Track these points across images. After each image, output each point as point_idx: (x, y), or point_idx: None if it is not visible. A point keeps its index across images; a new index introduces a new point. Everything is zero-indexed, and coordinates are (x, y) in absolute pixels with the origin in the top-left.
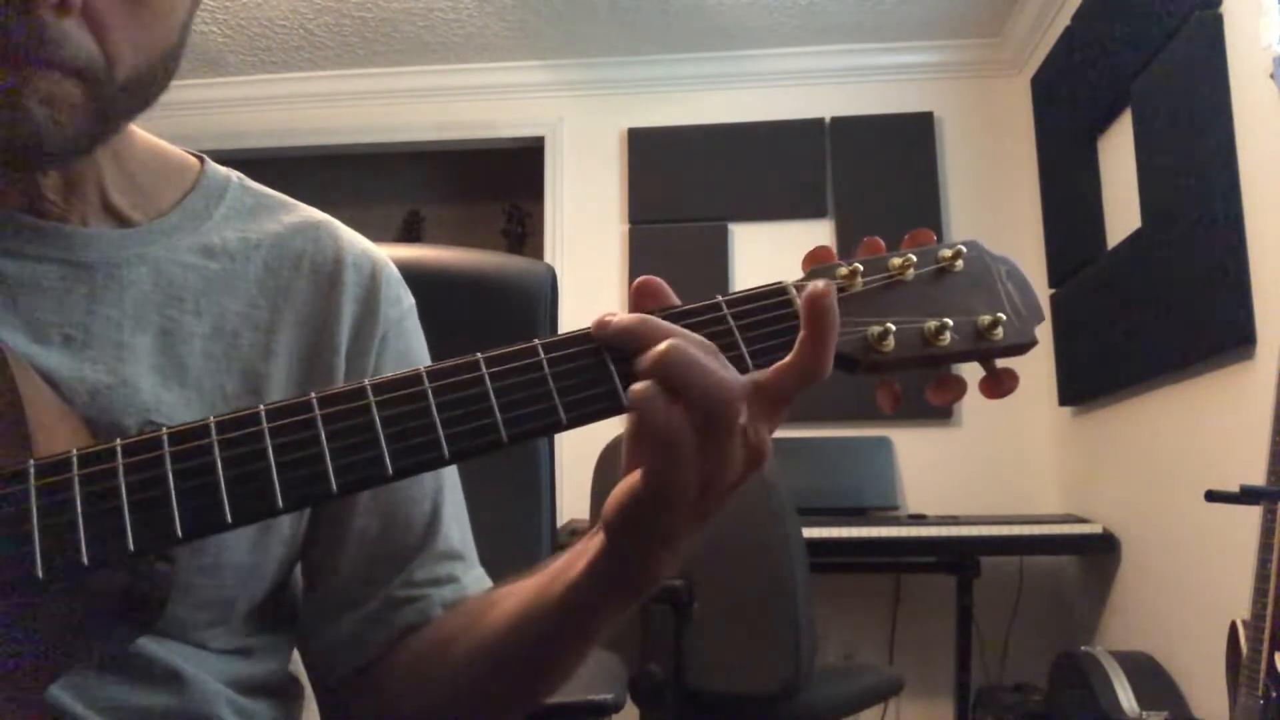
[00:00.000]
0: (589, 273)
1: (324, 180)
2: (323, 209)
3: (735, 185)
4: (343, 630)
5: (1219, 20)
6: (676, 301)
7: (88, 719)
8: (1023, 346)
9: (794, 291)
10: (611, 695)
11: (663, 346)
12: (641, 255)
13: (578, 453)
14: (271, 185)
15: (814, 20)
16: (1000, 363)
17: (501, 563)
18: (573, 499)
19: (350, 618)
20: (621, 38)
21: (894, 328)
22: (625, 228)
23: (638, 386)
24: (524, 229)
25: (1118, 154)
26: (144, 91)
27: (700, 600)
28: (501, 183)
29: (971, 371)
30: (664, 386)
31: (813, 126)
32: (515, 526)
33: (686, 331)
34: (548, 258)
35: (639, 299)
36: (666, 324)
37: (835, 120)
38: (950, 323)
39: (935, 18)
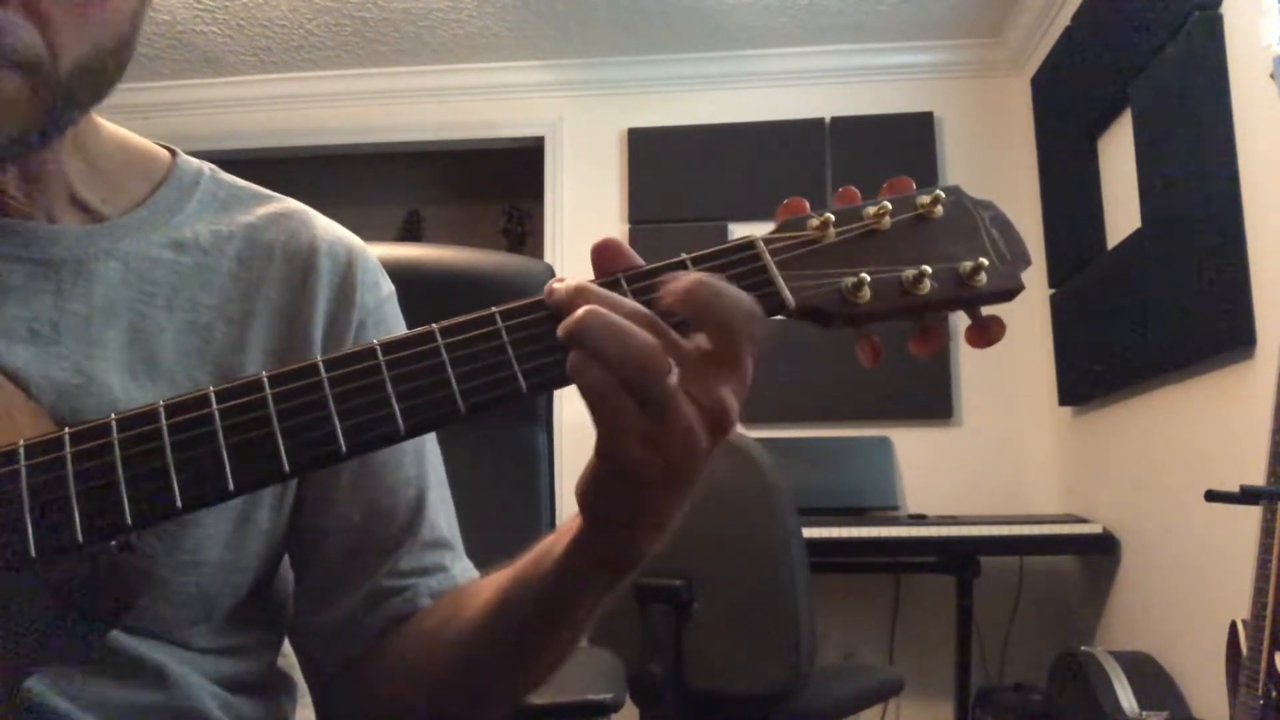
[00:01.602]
0: (589, 273)
1: (324, 180)
2: (323, 209)
3: (735, 185)
4: (328, 622)
5: (1219, 20)
6: (639, 262)
7: (74, 716)
8: (1008, 292)
9: (762, 246)
10: (611, 695)
11: (578, 314)
12: (641, 255)
13: (578, 452)
14: (272, 185)
15: (814, 20)
16: (987, 310)
17: (501, 562)
18: (572, 499)
19: (335, 610)
20: (621, 38)
21: (868, 278)
22: (625, 228)
23: (570, 355)
24: (524, 229)
25: (1118, 154)
26: (93, 83)
27: (700, 600)
28: (501, 183)
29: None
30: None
31: (813, 126)
32: (515, 526)
33: (618, 298)
34: (548, 258)
35: (600, 262)
36: (600, 292)
37: (835, 120)
38: (930, 270)
39: (935, 18)
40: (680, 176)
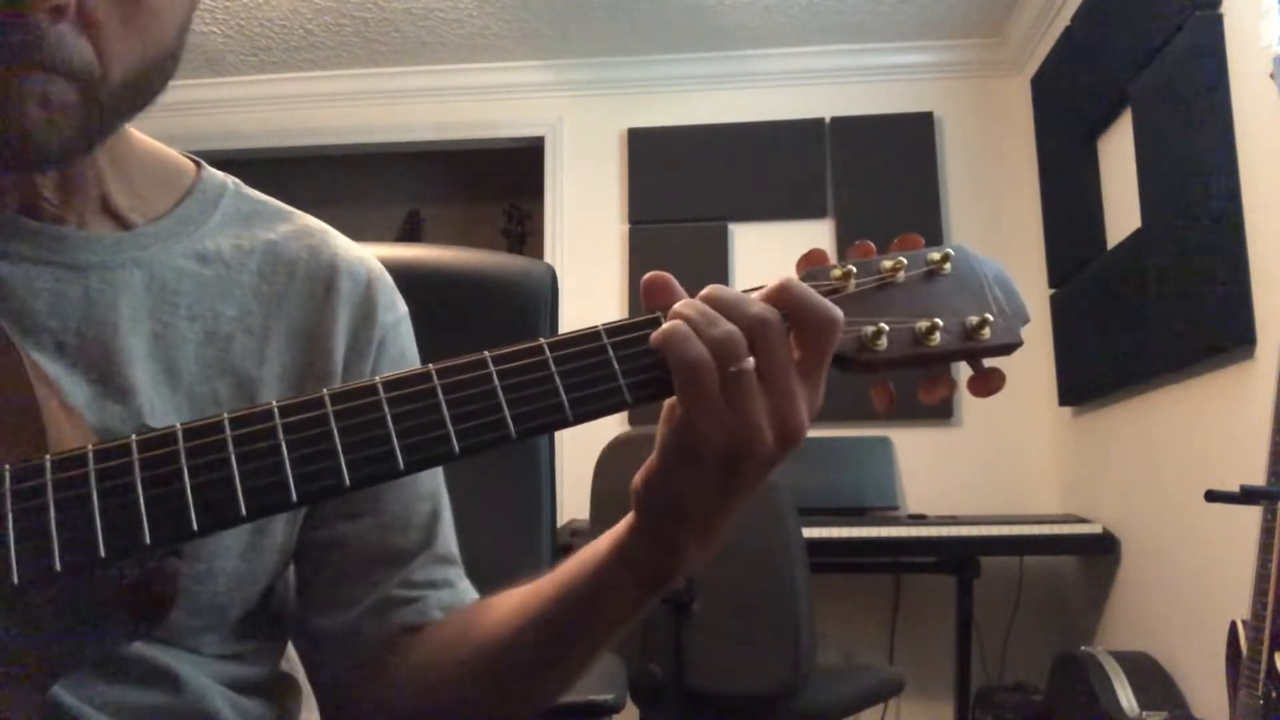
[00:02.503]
0: (589, 273)
1: (324, 180)
2: (323, 209)
3: (735, 185)
4: (336, 627)
5: (1219, 20)
6: (686, 297)
7: (89, 716)
8: (1009, 346)
9: None
10: (611, 695)
11: (680, 304)
12: (641, 255)
13: (578, 453)
14: (271, 186)
15: (814, 20)
16: (988, 362)
17: (502, 562)
18: (573, 499)
19: (343, 616)
20: (621, 38)
21: (887, 328)
22: (625, 228)
23: (668, 324)
24: (524, 229)
25: (1118, 154)
26: (140, 94)
27: (700, 600)
28: (501, 183)
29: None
30: (695, 325)
31: (813, 126)
32: (515, 526)
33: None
34: (548, 258)
35: (650, 294)
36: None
37: (835, 120)
38: (940, 323)
39: (935, 18)
40: (680, 176)
